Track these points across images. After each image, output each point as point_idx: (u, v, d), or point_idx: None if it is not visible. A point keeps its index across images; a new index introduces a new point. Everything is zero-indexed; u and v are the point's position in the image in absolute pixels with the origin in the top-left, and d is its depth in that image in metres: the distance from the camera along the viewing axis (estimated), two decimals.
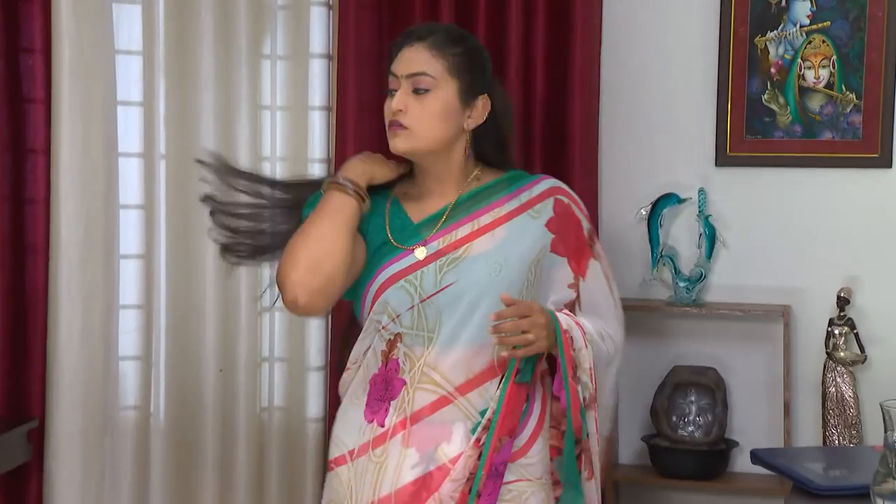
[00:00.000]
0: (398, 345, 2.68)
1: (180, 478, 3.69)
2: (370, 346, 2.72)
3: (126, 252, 3.66)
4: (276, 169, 3.70)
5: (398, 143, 2.69)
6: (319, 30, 3.66)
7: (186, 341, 3.67)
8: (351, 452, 2.68)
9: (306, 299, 2.59)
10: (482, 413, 2.66)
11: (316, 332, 3.68)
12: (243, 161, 3.55)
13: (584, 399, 2.67)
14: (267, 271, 3.17)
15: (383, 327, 2.69)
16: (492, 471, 2.62)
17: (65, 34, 3.49)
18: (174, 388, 3.70)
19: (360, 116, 3.58)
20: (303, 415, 3.71)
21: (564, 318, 2.66)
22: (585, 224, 2.77)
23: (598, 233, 3.21)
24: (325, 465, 3.34)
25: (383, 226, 2.73)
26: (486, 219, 2.72)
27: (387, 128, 2.70)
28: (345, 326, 2.86)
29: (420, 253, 2.70)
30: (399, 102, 2.67)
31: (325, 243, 2.61)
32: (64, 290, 3.52)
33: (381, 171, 2.75)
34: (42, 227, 3.55)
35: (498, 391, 2.65)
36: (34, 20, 3.52)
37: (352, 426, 2.70)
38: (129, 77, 3.65)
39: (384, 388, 2.69)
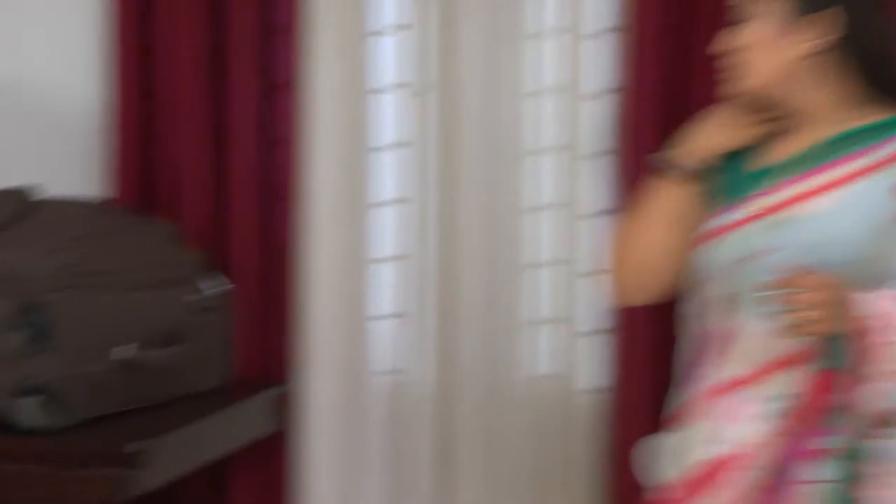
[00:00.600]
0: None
1: (438, 449, 3.35)
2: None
3: (382, 199, 3.37)
4: (543, 104, 3.29)
5: (724, 88, 2.31)
6: None
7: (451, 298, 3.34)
8: None
9: (637, 299, 2.48)
10: (779, 398, 2.20)
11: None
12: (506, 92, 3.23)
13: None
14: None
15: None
16: (780, 464, 2.18)
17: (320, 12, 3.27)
18: (435, 351, 3.36)
19: (660, 39, 3.13)
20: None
21: (873, 303, 2.13)
22: None
23: None
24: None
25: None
26: (826, 177, 2.22)
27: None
28: None
29: (741, 211, 2.27)
30: (721, 40, 2.30)
31: (648, 241, 2.34)
32: (314, 240, 3.30)
33: (727, 139, 2.31)
34: (290, 170, 3.33)
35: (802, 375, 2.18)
36: None
37: None
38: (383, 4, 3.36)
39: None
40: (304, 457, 3.33)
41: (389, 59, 3.34)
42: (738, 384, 2.24)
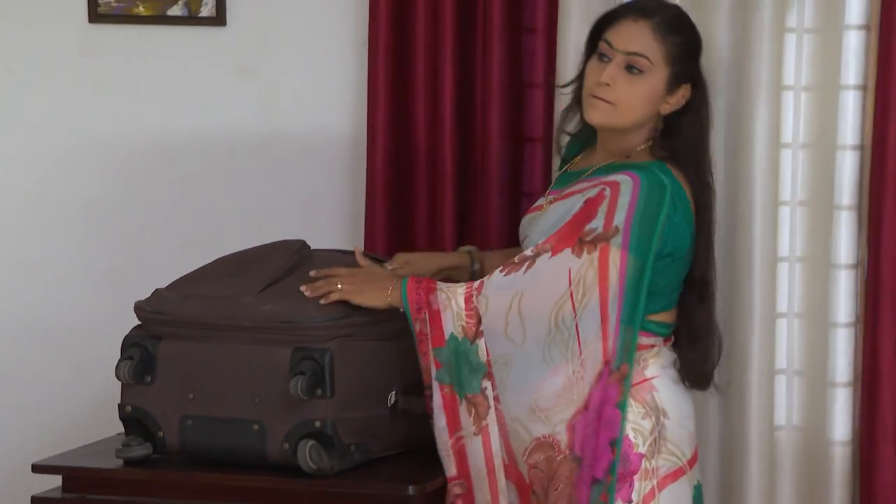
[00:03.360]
0: None
1: None
2: None
3: None
4: (798, 157, 3.31)
5: (595, 115, 2.84)
6: None
7: None
8: None
9: None
10: None
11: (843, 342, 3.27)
12: (759, 147, 3.22)
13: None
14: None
15: None
16: None
17: (571, 12, 3.32)
18: None
19: None
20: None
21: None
22: (599, 219, 2.74)
23: None
24: (855, 496, 3.17)
25: None
26: (576, 188, 2.87)
27: (586, 95, 2.85)
28: None
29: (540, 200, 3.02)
30: (609, 76, 2.78)
31: None
32: None
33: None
34: None
35: None
36: None
37: None
38: None
39: None
40: None
41: None
42: None
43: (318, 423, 2.84)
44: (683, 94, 2.85)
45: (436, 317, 2.83)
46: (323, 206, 3.57)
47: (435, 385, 2.87)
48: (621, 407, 2.77)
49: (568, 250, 2.76)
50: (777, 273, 3.28)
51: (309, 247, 3.13)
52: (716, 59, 3.21)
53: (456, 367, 2.85)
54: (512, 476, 2.87)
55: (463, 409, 2.86)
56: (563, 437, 2.80)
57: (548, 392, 2.79)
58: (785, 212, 3.29)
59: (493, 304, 2.81)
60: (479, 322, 2.82)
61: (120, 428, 3.20)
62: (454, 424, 2.87)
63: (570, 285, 2.75)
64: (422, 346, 2.85)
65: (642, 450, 2.80)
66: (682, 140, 2.86)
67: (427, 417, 2.97)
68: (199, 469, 2.93)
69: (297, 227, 3.34)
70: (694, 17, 2.97)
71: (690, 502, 2.88)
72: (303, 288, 2.86)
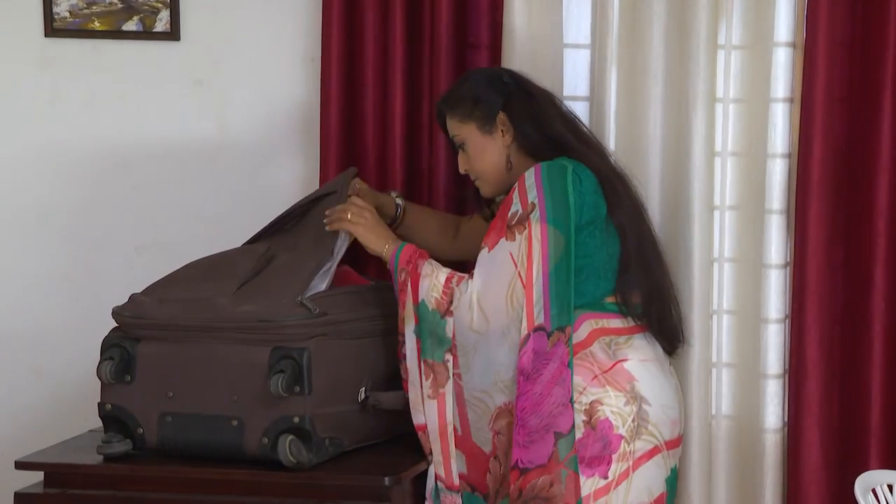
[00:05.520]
0: None
1: None
2: None
3: None
4: (726, 165, 3.50)
5: (483, 194, 3.22)
6: (785, 16, 3.40)
7: None
8: None
9: None
10: None
11: (774, 336, 3.44)
12: (696, 156, 3.38)
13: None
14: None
15: None
16: None
17: (515, 29, 3.44)
18: None
19: (830, 109, 3.37)
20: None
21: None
22: (516, 204, 2.97)
23: None
24: (784, 480, 3.33)
25: None
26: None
27: None
28: None
29: None
30: (461, 165, 3.19)
31: None
32: None
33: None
34: None
35: None
36: (482, 16, 3.54)
37: None
38: (576, 72, 3.56)
39: None
40: None
41: None
42: None
43: (296, 419, 2.96)
44: (502, 121, 3.13)
45: (416, 279, 3.05)
46: (276, 211, 3.56)
47: (411, 336, 3.06)
48: (570, 366, 2.94)
49: (502, 239, 2.99)
50: (712, 272, 3.45)
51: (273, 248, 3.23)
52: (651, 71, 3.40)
53: (422, 333, 3.04)
54: (462, 446, 3.04)
55: (422, 369, 3.04)
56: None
57: (507, 365, 2.97)
58: (718, 215, 3.48)
59: (463, 301, 3.01)
60: (451, 303, 3.02)
61: (87, 426, 3.34)
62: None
63: (515, 267, 2.96)
64: (402, 295, 3.07)
65: (622, 432, 2.97)
66: (537, 137, 3.11)
67: (394, 412, 3.11)
68: (179, 464, 3.03)
69: (249, 231, 3.43)
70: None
71: (663, 483, 3.06)
72: (325, 221, 3.13)
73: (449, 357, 3.03)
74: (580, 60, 3.55)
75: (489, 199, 3.25)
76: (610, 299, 3.08)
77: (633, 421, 2.99)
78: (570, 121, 3.19)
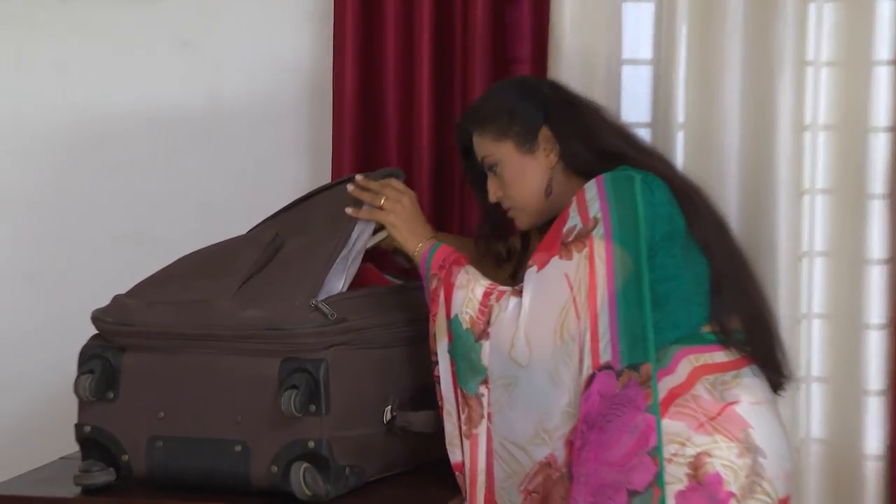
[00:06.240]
0: None
1: None
2: None
3: None
4: (818, 141, 3.20)
5: (519, 225, 2.92)
6: None
7: None
8: None
9: None
10: None
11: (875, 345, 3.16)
12: (782, 130, 3.10)
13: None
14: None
15: None
16: None
17: None
18: None
19: None
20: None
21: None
22: (573, 218, 2.68)
23: None
24: None
25: None
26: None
27: None
28: None
29: None
30: (491, 193, 2.89)
31: None
32: None
33: None
34: None
35: None
36: None
37: None
38: (637, 31, 3.30)
39: None
40: None
41: None
42: None
43: (311, 444, 2.69)
44: (545, 137, 2.82)
45: (449, 289, 2.75)
46: (277, 193, 3.32)
47: (444, 356, 2.76)
48: (651, 410, 2.61)
49: (555, 257, 2.67)
50: (801, 269, 3.19)
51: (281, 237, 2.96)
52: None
53: (456, 354, 2.74)
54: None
55: (458, 399, 2.75)
56: (560, 454, 2.65)
57: (555, 411, 2.65)
58: (808, 201, 3.20)
59: (502, 319, 2.70)
60: (489, 323, 2.70)
61: (58, 453, 3.10)
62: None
63: (571, 291, 2.64)
64: (433, 306, 2.77)
65: (733, 488, 2.63)
66: (588, 154, 2.83)
67: (425, 434, 2.82)
68: (171, 497, 2.78)
69: (249, 218, 3.14)
70: None
71: None
72: (348, 210, 2.85)
73: (484, 391, 2.71)
74: (643, 16, 3.30)
75: (524, 230, 2.97)
76: (706, 328, 2.75)
77: (746, 477, 2.65)
78: (623, 132, 2.93)
